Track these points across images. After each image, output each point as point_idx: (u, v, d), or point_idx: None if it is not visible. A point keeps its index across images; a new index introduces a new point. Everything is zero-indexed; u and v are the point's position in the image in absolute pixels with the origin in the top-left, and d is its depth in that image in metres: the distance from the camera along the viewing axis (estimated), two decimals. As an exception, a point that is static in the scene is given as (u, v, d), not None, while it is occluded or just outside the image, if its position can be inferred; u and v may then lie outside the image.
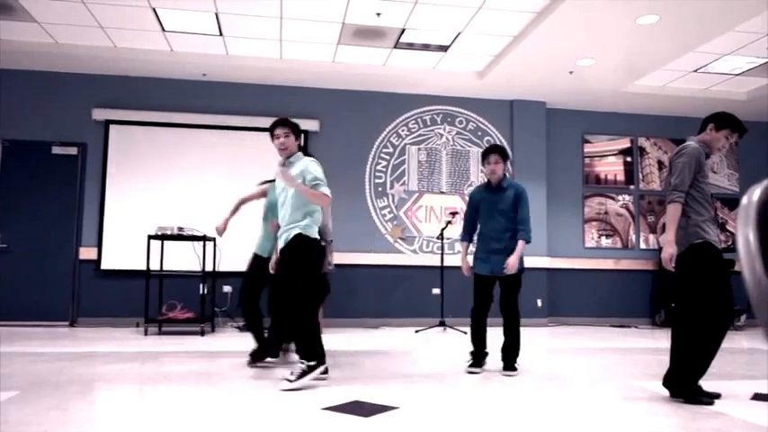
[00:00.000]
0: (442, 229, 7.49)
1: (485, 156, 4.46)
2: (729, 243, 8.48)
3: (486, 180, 4.57)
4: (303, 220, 3.83)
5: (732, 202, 8.97)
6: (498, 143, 8.50)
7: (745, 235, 0.92)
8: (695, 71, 7.50)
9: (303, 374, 3.62)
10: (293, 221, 3.85)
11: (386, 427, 2.75)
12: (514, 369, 4.25)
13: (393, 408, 3.10)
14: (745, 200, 0.98)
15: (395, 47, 7.01)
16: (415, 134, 8.41)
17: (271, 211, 4.66)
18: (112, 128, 7.68)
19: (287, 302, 3.94)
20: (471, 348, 4.45)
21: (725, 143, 3.51)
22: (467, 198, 8.32)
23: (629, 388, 3.80)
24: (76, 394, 3.41)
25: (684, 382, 3.27)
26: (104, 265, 7.48)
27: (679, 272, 3.33)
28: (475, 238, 4.54)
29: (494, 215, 4.37)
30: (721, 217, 9.09)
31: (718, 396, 3.34)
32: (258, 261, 4.66)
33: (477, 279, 4.46)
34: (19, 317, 7.18)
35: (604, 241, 8.83)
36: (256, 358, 4.45)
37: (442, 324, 7.28)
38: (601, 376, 4.29)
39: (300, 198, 3.82)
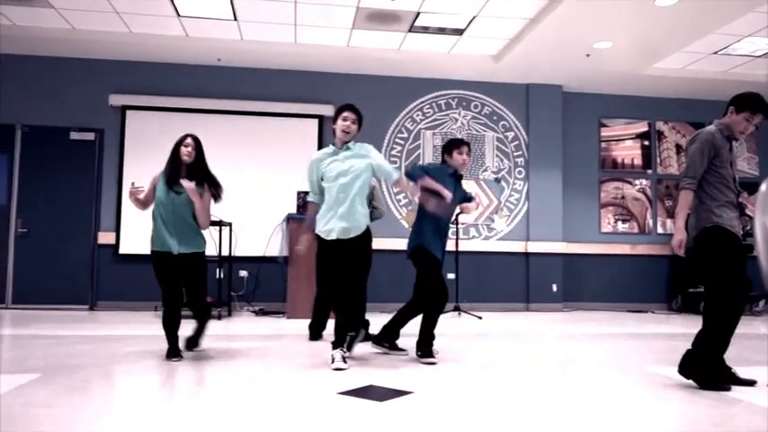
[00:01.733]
0: (457, 214, 7.45)
1: (459, 145, 4.27)
2: (748, 228, 8.39)
3: (446, 166, 4.31)
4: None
5: (752, 186, 8.84)
6: (514, 128, 8.47)
7: (763, 223, 0.92)
8: (715, 53, 7.37)
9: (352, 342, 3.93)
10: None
11: (400, 412, 2.77)
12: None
13: (407, 392, 3.12)
14: (763, 187, 0.97)
15: (410, 31, 6.96)
16: (430, 119, 8.37)
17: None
18: (129, 113, 7.74)
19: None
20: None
21: (746, 125, 3.38)
22: (482, 183, 8.31)
23: (644, 374, 3.79)
24: (97, 376, 3.47)
25: (701, 368, 3.25)
26: (122, 250, 7.57)
27: (694, 256, 3.31)
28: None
29: (452, 205, 4.22)
30: (740, 201, 8.96)
31: (753, 383, 3.32)
32: None
33: (438, 263, 4.22)
34: (39, 301, 7.31)
35: (621, 226, 8.76)
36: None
37: (456, 309, 7.29)
38: (615, 362, 4.28)
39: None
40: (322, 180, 3.98)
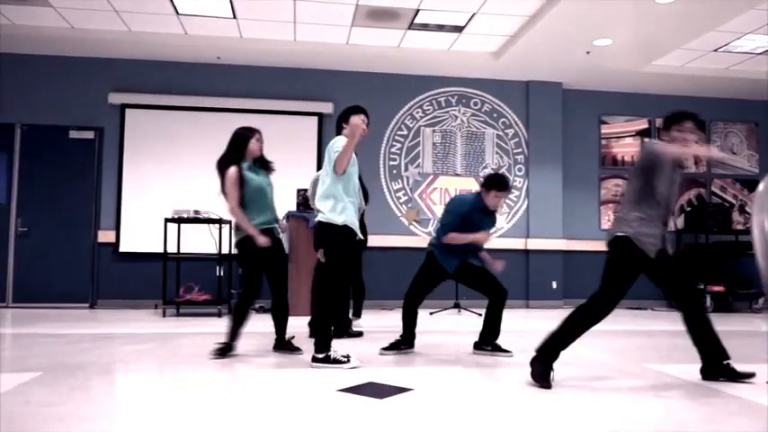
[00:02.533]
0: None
1: (502, 188, 4.28)
2: (747, 225, 8.39)
3: (478, 200, 4.33)
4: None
5: (751, 184, 8.85)
6: (514, 125, 8.46)
7: (760, 222, 0.92)
8: (715, 50, 7.36)
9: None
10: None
11: (400, 409, 2.78)
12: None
13: (407, 389, 3.13)
14: (761, 187, 0.98)
15: (409, 28, 6.95)
16: (430, 116, 8.37)
17: None
18: (128, 112, 7.74)
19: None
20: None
21: (684, 136, 3.32)
22: (481, 180, 8.33)
23: (644, 371, 3.80)
24: (98, 375, 3.48)
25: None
26: (122, 248, 7.59)
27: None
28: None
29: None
30: (740, 199, 8.98)
31: (752, 375, 3.30)
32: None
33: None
34: (40, 299, 7.32)
35: (621, 223, 8.75)
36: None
37: (456, 306, 7.30)
38: (615, 359, 4.29)
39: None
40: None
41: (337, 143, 3.85)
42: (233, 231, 4.31)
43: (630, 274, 3.33)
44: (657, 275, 3.40)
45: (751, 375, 3.31)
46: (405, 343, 4.35)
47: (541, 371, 3.26)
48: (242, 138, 4.26)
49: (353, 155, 3.92)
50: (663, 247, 3.37)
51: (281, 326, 4.30)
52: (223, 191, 4.17)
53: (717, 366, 3.35)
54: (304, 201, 6.15)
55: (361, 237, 4.01)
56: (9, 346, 4.62)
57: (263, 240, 4.05)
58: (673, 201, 3.39)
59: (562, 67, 7.86)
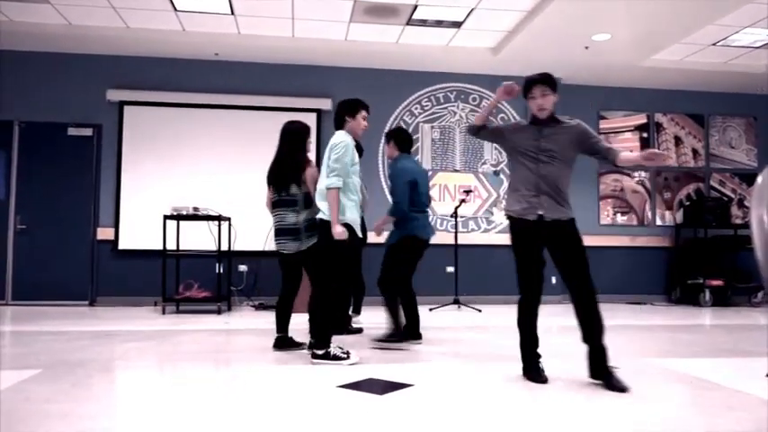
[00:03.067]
0: (456, 208, 7.48)
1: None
2: (746, 219, 8.40)
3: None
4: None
5: (750, 178, 8.85)
6: (513, 121, 8.45)
7: (759, 216, 0.92)
8: (714, 44, 7.36)
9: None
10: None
11: (400, 405, 2.78)
12: None
13: (407, 385, 3.13)
14: (759, 180, 0.97)
15: (408, 24, 6.94)
16: (429, 112, 8.36)
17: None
18: (127, 109, 7.72)
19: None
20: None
21: (539, 103, 3.56)
22: (480, 176, 8.33)
23: (644, 366, 3.80)
24: (98, 372, 3.48)
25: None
26: (122, 246, 7.58)
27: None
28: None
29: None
30: (739, 193, 8.98)
31: (625, 390, 3.03)
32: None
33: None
34: (39, 297, 7.32)
35: (620, 218, 8.77)
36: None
37: (456, 302, 7.30)
38: (615, 354, 4.28)
39: None
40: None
41: (339, 145, 3.83)
42: (303, 234, 4.11)
43: (523, 248, 3.46)
44: (555, 248, 3.46)
45: (624, 390, 3.03)
46: (401, 332, 4.46)
47: (532, 370, 3.34)
48: (304, 133, 4.27)
49: (355, 153, 3.92)
50: (546, 214, 3.42)
51: (286, 322, 4.28)
52: (285, 190, 4.16)
53: (601, 368, 3.22)
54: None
55: (360, 235, 4.00)
56: (9, 343, 4.62)
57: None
58: (544, 160, 3.45)
59: (561, 62, 7.85)
